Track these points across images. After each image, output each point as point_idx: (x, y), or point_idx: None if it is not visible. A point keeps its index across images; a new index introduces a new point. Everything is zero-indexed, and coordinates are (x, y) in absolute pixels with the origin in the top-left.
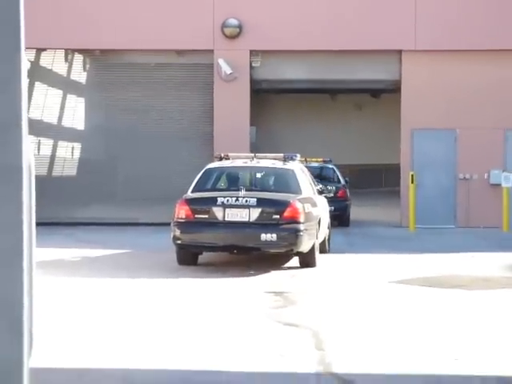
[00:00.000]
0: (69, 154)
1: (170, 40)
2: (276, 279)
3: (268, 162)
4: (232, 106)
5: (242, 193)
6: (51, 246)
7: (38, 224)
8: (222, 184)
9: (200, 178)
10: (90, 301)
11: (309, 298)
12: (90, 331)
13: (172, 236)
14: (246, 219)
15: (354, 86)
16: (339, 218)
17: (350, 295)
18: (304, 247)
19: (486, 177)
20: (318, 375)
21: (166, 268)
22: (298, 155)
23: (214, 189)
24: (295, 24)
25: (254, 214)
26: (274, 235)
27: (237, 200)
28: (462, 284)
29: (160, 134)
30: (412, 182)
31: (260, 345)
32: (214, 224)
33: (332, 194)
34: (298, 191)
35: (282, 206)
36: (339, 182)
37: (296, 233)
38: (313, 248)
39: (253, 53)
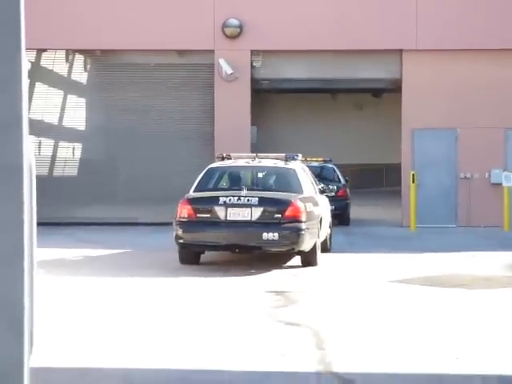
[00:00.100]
0: (69, 154)
1: (171, 40)
2: (277, 278)
3: (270, 161)
4: (233, 106)
5: (244, 192)
6: (52, 246)
7: (38, 224)
8: (224, 183)
9: (202, 177)
10: (91, 300)
11: (310, 297)
12: (90, 330)
13: (174, 235)
14: (248, 218)
15: (354, 86)
16: (339, 217)
17: (351, 294)
18: (305, 246)
19: (486, 176)
20: (318, 374)
21: (167, 267)
22: (300, 155)
23: (216, 188)
24: (296, 24)
25: (256, 213)
26: (276, 234)
27: (239, 199)
28: (463, 283)
29: (160, 134)
30: (413, 182)
31: (261, 344)
32: (216, 223)
33: (333, 194)
34: (299, 190)
35: (283, 205)
36: (339, 181)
37: (298, 232)
38: (314, 247)
39: (253, 53)
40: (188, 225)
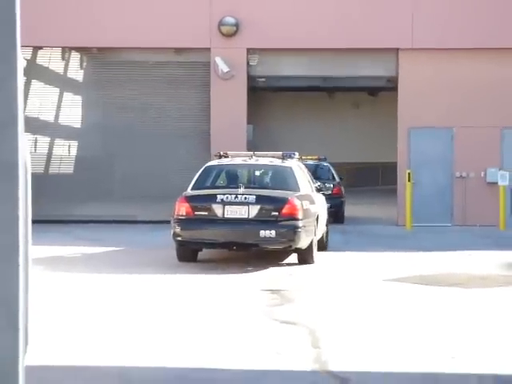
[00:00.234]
0: (66, 151)
1: (168, 38)
2: (274, 276)
3: (267, 159)
4: (229, 104)
5: (241, 190)
6: (49, 244)
7: (35, 221)
8: (222, 181)
9: (200, 175)
10: (88, 297)
11: (305, 295)
12: (86, 328)
13: (172, 233)
14: (245, 216)
15: (351, 84)
16: (334, 215)
17: (347, 293)
18: (302, 244)
19: (482, 175)
20: (314, 373)
21: (164, 265)
22: (297, 153)
23: (213, 186)
24: (292, 22)
25: (253, 210)
26: (273, 232)
27: (236, 197)
28: (459, 282)
29: (157, 132)
30: (409, 181)
31: (257, 342)
32: (213, 221)
33: (330, 192)
34: (296, 188)
35: (280, 202)
36: (334, 179)
37: (294, 229)
38: (311, 245)
39: (250, 51)
40: (186, 222)
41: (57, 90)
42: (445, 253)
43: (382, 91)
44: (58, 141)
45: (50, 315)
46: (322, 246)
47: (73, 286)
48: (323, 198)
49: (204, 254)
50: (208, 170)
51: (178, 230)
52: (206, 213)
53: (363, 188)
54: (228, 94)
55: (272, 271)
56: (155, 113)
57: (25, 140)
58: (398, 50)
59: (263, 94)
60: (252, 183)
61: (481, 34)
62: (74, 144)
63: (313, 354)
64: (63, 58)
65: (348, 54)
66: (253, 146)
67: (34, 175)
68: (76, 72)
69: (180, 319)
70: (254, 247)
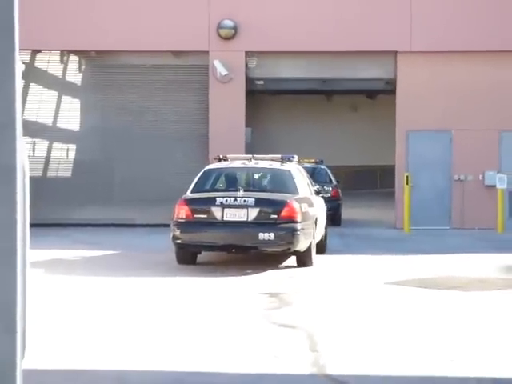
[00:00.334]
0: (64, 155)
1: (166, 41)
2: (273, 279)
3: (266, 162)
4: (227, 107)
5: (241, 193)
6: (47, 247)
7: (33, 225)
8: (221, 184)
9: (199, 178)
10: (86, 300)
11: (304, 298)
12: (84, 331)
13: (171, 236)
14: (245, 219)
15: (349, 87)
16: (332, 218)
17: (346, 296)
18: (301, 246)
19: (480, 178)
20: (312, 376)
21: (163, 268)
22: (296, 156)
23: (212, 189)
24: (290, 25)
25: (252, 213)
26: (272, 234)
27: (235, 200)
28: (458, 285)
29: (156, 135)
30: (407, 184)
31: (254, 346)
32: (212, 224)
33: (329, 195)
34: (295, 191)
35: (279, 205)
36: (331, 182)
37: (293, 232)
38: (309, 247)
39: (248, 54)
40: (185, 225)
41: (55, 93)
42: (443, 256)
43: (380, 94)
44: (56, 144)
45: (48, 318)
46: (321, 248)
47: (71, 289)
48: (322, 200)
49: (203, 256)
50: (207, 173)
51: (177, 232)
52: (206, 216)
53: (362, 191)
54: (226, 97)
55: (271, 274)
56: (153, 116)
57: (23, 143)
58: (396, 52)
59: (261, 97)
60: (251, 186)
61: (479, 37)
62: (73, 147)
63: (311, 358)
64: (61, 62)
65: (346, 56)
66: (251, 149)
67: (32, 178)
68: (74, 75)
69: (178, 322)
70: (253, 250)
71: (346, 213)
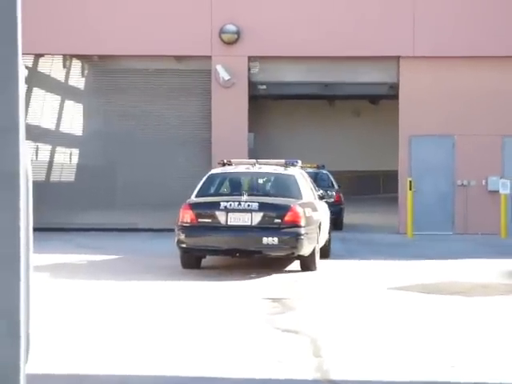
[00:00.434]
0: (67, 159)
1: (168, 46)
2: (277, 283)
3: (270, 167)
4: (230, 112)
5: (245, 197)
6: (51, 252)
7: (36, 229)
8: (225, 189)
9: (203, 183)
10: (89, 304)
11: (308, 303)
12: (87, 335)
13: (176, 240)
14: (249, 223)
15: (351, 92)
16: (334, 222)
17: (349, 301)
18: (305, 251)
19: (483, 183)
20: (315, 382)
21: (167, 272)
22: (299, 161)
23: (217, 194)
24: (293, 30)
25: (256, 218)
26: (276, 239)
27: (239, 204)
28: (461, 291)
29: (158, 140)
30: (410, 189)
31: (258, 351)
32: (217, 228)
33: (332, 199)
34: (298, 196)
35: (283, 210)
36: (333, 186)
37: (297, 236)
38: (313, 252)
39: (251, 59)
40: (190, 229)
41: (58, 97)
42: (446, 261)
43: (383, 99)
44: (59, 148)
45: (51, 322)
46: (325, 253)
47: (74, 293)
48: (326, 205)
49: (208, 260)
50: (212, 177)
51: (182, 237)
52: (210, 220)
53: (364, 196)
54: (229, 101)
55: (275, 278)
56: (156, 121)
57: (26, 148)
58: (399, 57)
59: (264, 102)
60: (255, 191)
61: (482, 42)
62: (75, 152)
63: (314, 363)
64: (64, 66)
65: (349, 61)
66: (254, 153)
67: (35, 183)
68: (77, 80)
69: (182, 327)
70: (257, 254)
71: (349, 218)
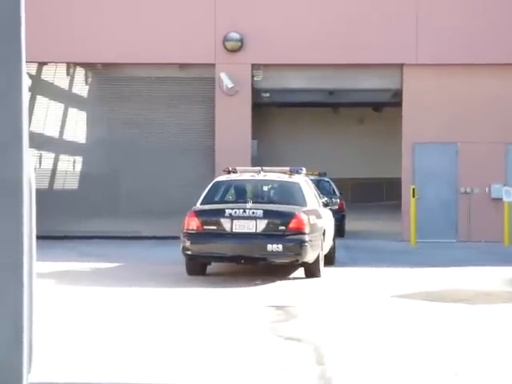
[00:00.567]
0: (70, 167)
1: (172, 54)
2: (281, 290)
3: (274, 175)
4: (233, 120)
5: (249, 205)
6: (54, 260)
7: (39, 237)
8: (230, 196)
9: (209, 190)
10: (93, 312)
11: (311, 311)
12: (90, 343)
13: (181, 247)
14: (253, 230)
15: (355, 99)
16: (337, 229)
17: (352, 309)
18: (309, 258)
19: (487, 191)
20: None
21: (172, 279)
22: (304, 169)
23: (222, 201)
24: (297, 38)
25: (261, 225)
26: (280, 246)
27: (244, 212)
28: (464, 298)
29: (162, 148)
30: (413, 196)
31: (261, 358)
32: (222, 235)
33: (336, 207)
34: (303, 203)
35: (287, 217)
36: (335, 194)
37: (301, 243)
38: (318, 259)
39: (254, 66)
40: (195, 236)
41: (61, 105)
42: (450, 269)
43: (387, 107)
44: (62, 156)
45: (54, 331)
46: (330, 260)
47: (77, 301)
48: (330, 213)
49: (213, 267)
50: (217, 185)
51: (187, 243)
52: (215, 227)
53: (368, 204)
54: (232, 109)
55: (280, 285)
56: (159, 128)
57: (29, 156)
58: (402, 65)
59: (268, 110)
60: (260, 198)
61: (485, 49)
62: (79, 159)
63: (317, 371)
64: (68, 74)
65: (352, 69)
66: (257, 161)
67: (38, 191)
68: (80, 88)
69: (185, 334)
70: (262, 261)
71: (353, 225)
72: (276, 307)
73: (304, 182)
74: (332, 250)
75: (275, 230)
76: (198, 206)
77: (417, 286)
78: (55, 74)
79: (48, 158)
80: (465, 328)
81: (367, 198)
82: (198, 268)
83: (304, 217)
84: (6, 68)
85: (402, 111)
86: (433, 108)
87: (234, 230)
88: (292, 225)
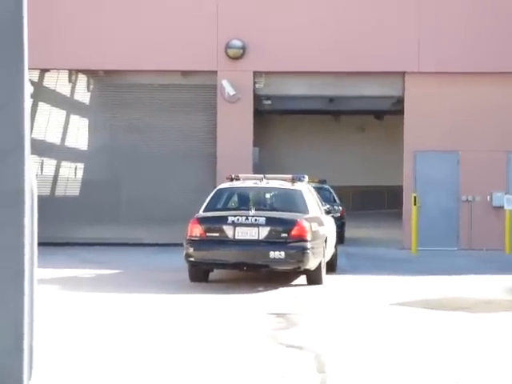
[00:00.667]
0: (72, 173)
1: (174, 61)
2: (283, 297)
3: (277, 182)
4: (235, 127)
5: (252, 212)
6: (55, 266)
7: (41, 244)
8: (233, 203)
9: (212, 197)
10: (94, 318)
11: (312, 319)
12: (91, 350)
13: (184, 253)
14: (256, 237)
15: (357, 107)
16: (337, 235)
17: (353, 317)
18: (311, 265)
19: (488, 199)
20: None
21: (174, 286)
22: (306, 176)
23: (225, 208)
24: (299, 45)
25: (263, 232)
26: (282, 253)
27: (247, 219)
28: (464, 306)
29: (163, 155)
30: (414, 204)
31: (262, 366)
32: (224, 242)
33: (339, 214)
34: (305, 211)
35: (289, 224)
36: (335, 201)
37: (303, 251)
38: (319, 266)
39: (256, 74)
40: (198, 243)
41: (63, 112)
42: (450, 277)
43: (388, 115)
44: (64, 163)
45: (55, 337)
46: (331, 267)
47: (79, 308)
48: (332, 220)
49: (215, 274)
50: (219, 192)
51: (190, 250)
52: (218, 234)
53: (369, 211)
54: (234, 116)
55: (282, 292)
56: (161, 135)
57: (31, 163)
58: (404, 73)
59: (269, 117)
60: (262, 205)
61: (487, 58)
62: (81, 166)
63: (318, 379)
64: (70, 81)
65: (354, 77)
66: (259, 168)
67: (39, 197)
68: (82, 94)
69: (186, 341)
70: (264, 268)
71: (355, 233)
72: (278, 315)
73: (306, 189)
74: (334, 257)
75: (277, 237)
76: (201, 213)
77: (417, 293)
78: (57, 81)
79: (50, 164)
80: (465, 336)
81: (368, 205)
82: (200, 275)
83: (306, 224)
84: (9, 75)
85: (403, 119)
86: (434, 116)
87: (236, 237)
88: (294, 232)
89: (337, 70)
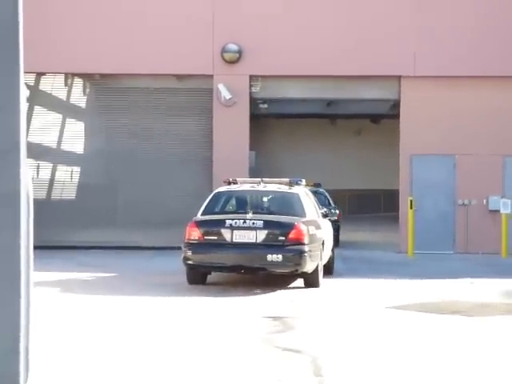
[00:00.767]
0: (68, 177)
1: (170, 65)
2: (281, 300)
3: (274, 186)
4: (231, 131)
5: (250, 215)
6: (51, 270)
7: (37, 247)
8: (231, 207)
9: (209, 201)
10: (91, 321)
11: (309, 322)
12: (87, 353)
13: (183, 257)
14: (253, 240)
15: (353, 111)
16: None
17: (349, 321)
18: (308, 268)
19: (484, 203)
20: None
21: (171, 289)
22: (303, 180)
23: (222, 211)
24: (295, 49)
25: (261, 235)
26: (280, 256)
27: (244, 222)
28: (461, 310)
29: (160, 158)
30: (411, 208)
31: (259, 369)
32: (222, 245)
33: (336, 217)
34: (302, 214)
35: (287, 228)
36: (330, 204)
37: (300, 254)
38: (317, 269)
39: (252, 78)
40: (196, 246)
41: (59, 115)
42: (446, 280)
43: (384, 118)
44: (60, 166)
45: (52, 340)
46: (328, 270)
47: (75, 310)
48: (329, 223)
49: (213, 277)
50: (217, 195)
51: (188, 253)
52: (216, 237)
53: (366, 215)
54: (230, 120)
55: (279, 295)
56: (158, 139)
57: (27, 168)
58: (400, 77)
59: (265, 121)
60: (260, 209)
61: (483, 62)
62: (77, 170)
63: (315, 382)
64: (66, 84)
65: (350, 81)
66: (255, 172)
67: (35, 201)
68: (78, 98)
69: (182, 343)
70: (262, 271)
71: (351, 236)
72: (275, 318)
73: (303, 192)
74: (331, 260)
75: (275, 241)
76: (199, 216)
77: (414, 297)
78: (53, 85)
79: (46, 168)
80: (461, 340)
81: (365, 209)
82: (198, 277)
83: (303, 227)
84: (4, 78)
85: (399, 123)
86: (430, 120)
87: (234, 240)
88: (292, 235)
89: (333, 74)
